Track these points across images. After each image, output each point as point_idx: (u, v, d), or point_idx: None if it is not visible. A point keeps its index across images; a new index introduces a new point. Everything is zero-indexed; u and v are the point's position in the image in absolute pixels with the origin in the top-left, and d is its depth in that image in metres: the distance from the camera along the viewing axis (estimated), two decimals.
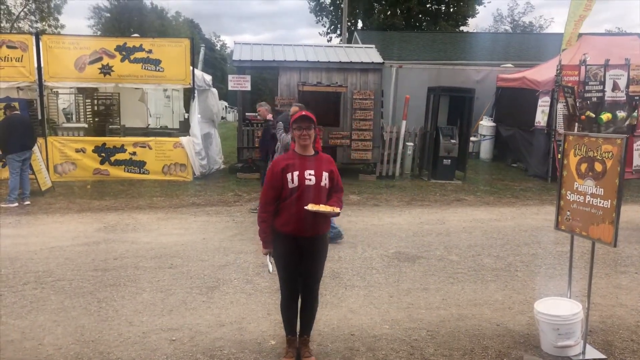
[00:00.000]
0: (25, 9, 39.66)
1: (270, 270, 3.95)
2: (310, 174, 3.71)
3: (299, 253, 3.79)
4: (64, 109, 17.04)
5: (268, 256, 3.93)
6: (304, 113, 3.81)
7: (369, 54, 12.53)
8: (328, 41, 39.79)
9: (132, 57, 11.22)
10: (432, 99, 12.46)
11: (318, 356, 4.02)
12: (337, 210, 3.73)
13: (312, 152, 3.85)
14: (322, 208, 3.68)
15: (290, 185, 3.69)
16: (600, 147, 3.93)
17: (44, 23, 40.88)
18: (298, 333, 4.00)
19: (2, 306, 4.87)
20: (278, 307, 4.89)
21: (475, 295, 5.35)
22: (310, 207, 3.63)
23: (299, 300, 3.94)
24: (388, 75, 15.14)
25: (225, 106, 38.86)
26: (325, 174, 3.77)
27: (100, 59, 11.15)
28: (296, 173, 3.70)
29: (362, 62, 11.95)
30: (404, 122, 12.47)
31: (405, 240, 7.34)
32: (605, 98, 12.22)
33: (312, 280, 3.90)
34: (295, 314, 3.96)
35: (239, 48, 12.49)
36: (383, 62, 12.33)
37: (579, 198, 4.14)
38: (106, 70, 11.18)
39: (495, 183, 12.08)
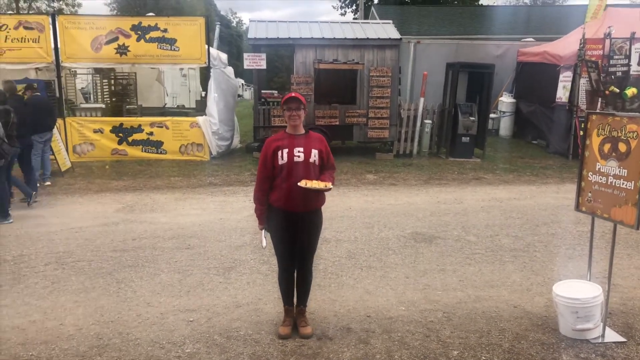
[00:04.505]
0: None
1: (264, 246, 4.15)
2: (299, 151, 3.86)
3: (292, 228, 3.96)
4: (82, 88, 17.16)
5: (263, 232, 4.12)
6: (293, 94, 3.95)
7: (386, 29, 12.27)
8: (342, 15, 39.19)
9: (147, 36, 11.20)
10: (451, 75, 12.20)
11: (334, 338, 4.04)
12: (329, 185, 3.84)
13: (302, 132, 4.00)
14: (315, 185, 3.79)
15: (280, 162, 3.84)
16: (625, 127, 3.80)
17: (60, 2, 40.98)
18: (295, 304, 4.19)
19: (25, 287, 4.98)
20: None
21: (492, 277, 5.30)
22: (303, 183, 3.76)
23: (295, 273, 4.13)
24: (406, 51, 14.87)
25: (242, 84, 38.71)
26: (314, 151, 3.90)
27: (117, 39, 11.14)
28: (286, 150, 3.86)
29: (378, 39, 11.72)
30: (421, 99, 12.28)
31: (422, 220, 7.28)
32: (631, 72, 11.85)
33: (306, 254, 4.07)
34: (291, 286, 4.15)
35: (254, 26, 12.34)
36: (400, 38, 12.07)
37: (601, 179, 4.03)
38: (122, 51, 11.17)
39: (514, 161, 11.89)
